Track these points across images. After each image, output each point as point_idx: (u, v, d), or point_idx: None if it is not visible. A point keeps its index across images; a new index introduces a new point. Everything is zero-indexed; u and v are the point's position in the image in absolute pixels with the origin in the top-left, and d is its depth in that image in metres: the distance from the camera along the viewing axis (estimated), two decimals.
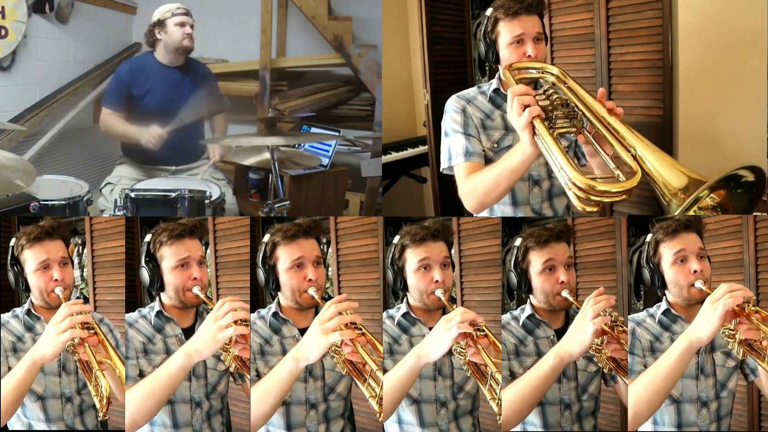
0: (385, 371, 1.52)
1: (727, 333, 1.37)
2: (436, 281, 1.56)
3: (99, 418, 1.48)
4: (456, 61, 3.30)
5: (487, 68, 3.31)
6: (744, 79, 2.22)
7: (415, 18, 3.18)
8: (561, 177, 1.45)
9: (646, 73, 2.46)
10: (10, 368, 1.58)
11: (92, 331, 1.49)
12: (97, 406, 1.47)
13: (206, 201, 2.62)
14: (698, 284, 1.53)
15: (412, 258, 1.58)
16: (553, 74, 1.73)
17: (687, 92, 2.37)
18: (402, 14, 3.73)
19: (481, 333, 1.39)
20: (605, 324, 1.40)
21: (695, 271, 1.54)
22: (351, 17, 4.02)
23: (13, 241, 1.66)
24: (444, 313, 1.60)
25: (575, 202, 1.42)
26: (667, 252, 1.58)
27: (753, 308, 1.34)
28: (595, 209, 1.41)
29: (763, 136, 2.14)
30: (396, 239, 1.61)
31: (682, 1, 2.30)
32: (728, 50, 2.25)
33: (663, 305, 1.62)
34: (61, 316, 1.46)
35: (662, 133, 2.39)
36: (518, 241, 1.63)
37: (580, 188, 1.40)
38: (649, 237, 1.62)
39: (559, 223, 1.63)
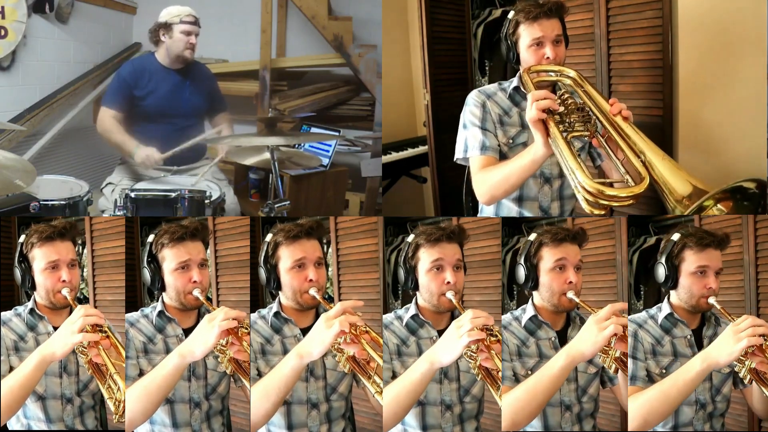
0: (393, 373, 1.51)
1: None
2: (448, 283, 1.55)
3: (115, 421, 1.47)
4: (456, 61, 3.30)
5: (487, 68, 3.31)
6: (744, 79, 2.22)
7: (415, 18, 3.17)
8: (572, 180, 1.53)
9: (646, 73, 2.46)
10: (12, 367, 1.58)
11: (105, 335, 1.49)
12: (112, 408, 1.47)
13: (206, 201, 2.62)
14: (711, 300, 1.55)
15: (425, 258, 1.57)
16: (570, 77, 1.83)
17: (687, 92, 2.37)
18: (402, 14, 3.72)
19: (494, 338, 1.38)
20: (620, 326, 1.39)
21: (710, 287, 1.55)
22: (351, 17, 4.02)
23: (22, 238, 1.65)
24: (453, 316, 1.59)
25: (584, 205, 1.50)
26: (690, 262, 1.56)
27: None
28: (603, 212, 1.49)
29: (763, 136, 2.14)
30: (410, 238, 1.60)
31: (682, 1, 2.30)
32: (728, 50, 2.25)
33: (666, 308, 1.61)
34: (75, 317, 1.47)
35: (662, 133, 2.38)
36: (533, 236, 1.62)
37: (589, 192, 1.48)
38: (676, 236, 1.61)
39: (574, 226, 1.66)
